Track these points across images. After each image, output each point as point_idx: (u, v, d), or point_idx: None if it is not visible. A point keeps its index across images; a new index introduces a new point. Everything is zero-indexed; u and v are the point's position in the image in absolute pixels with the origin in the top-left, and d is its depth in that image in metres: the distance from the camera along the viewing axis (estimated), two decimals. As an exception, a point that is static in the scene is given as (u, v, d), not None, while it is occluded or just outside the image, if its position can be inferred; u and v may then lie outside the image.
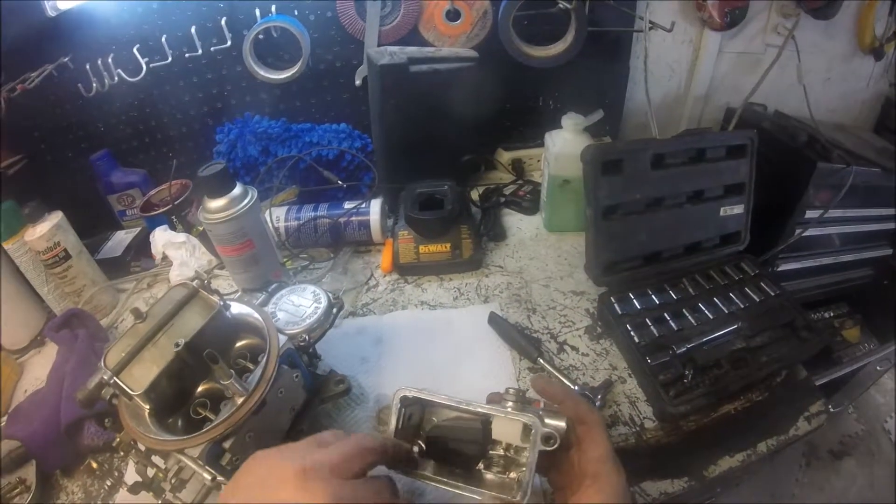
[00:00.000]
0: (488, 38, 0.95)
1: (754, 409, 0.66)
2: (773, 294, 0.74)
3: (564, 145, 0.82)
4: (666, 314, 0.72)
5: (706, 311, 0.72)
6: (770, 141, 0.84)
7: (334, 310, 0.62)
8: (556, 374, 0.67)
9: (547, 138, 0.86)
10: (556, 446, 0.44)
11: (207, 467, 0.47)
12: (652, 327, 0.71)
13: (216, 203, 0.72)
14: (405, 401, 0.47)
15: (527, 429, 0.44)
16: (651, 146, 0.75)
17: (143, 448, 0.53)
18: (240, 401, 0.48)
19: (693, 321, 0.71)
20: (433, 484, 0.46)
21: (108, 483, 0.60)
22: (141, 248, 1.04)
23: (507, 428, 0.45)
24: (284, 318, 0.61)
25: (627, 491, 0.44)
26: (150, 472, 0.53)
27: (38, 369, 0.87)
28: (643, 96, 1.00)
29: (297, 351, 0.58)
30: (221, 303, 0.56)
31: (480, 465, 0.48)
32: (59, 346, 0.81)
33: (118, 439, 0.53)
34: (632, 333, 0.70)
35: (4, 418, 0.80)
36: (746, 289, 0.76)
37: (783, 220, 0.95)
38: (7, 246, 0.85)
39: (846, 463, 1.20)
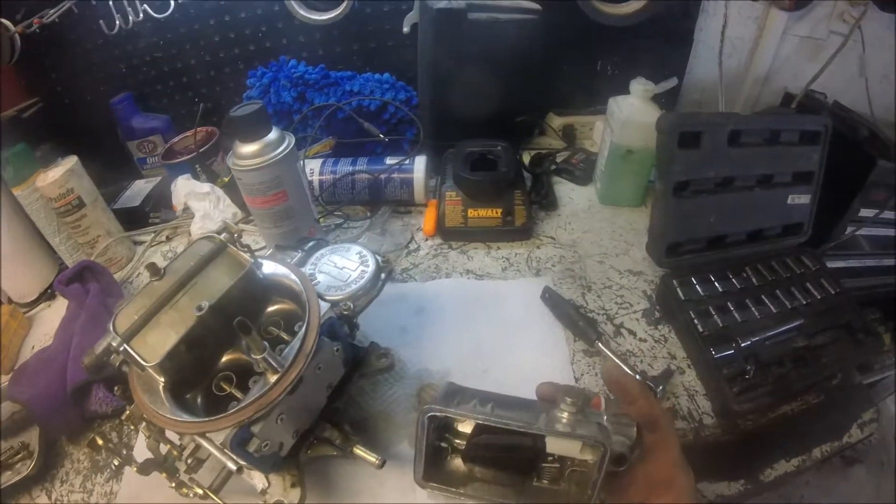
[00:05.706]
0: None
1: (810, 412, 0.59)
2: (833, 292, 0.66)
3: (632, 112, 0.71)
4: (729, 303, 0.63)
5: (769, 305, 0.63)
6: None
7: (382, 275, 0.52)
8: (615, 359, 0.58)
9: (612, 103, 0.75)
10: (624, 466, 0.36)
11: (233, 455, 0.39)
12: (716, 317, 0.62)
13: (249, 148, 0.62)
14: (434, 420, 0.38)
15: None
16: (732, 121, 0.65)
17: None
18: (273, 378, 0.40)
19: (756, 314, 0.62)
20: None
21: (115, 462, 0.45)
22: (161, 198, 0.93)
23: (565, 444, 0.37)
24: (325, 281, 0.51)
25: (696, 492, 0.39)
26: (164, 448, 0.44)
27: (48, 324, 0.79)
28: (702, 71, 0.90)
29: (339, 320, 0.49)
30: (253, 261, 0.46)
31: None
32: (69, 301, 0.72)
33: (128, 412, 0.44)
34: (695, 321, 0.60)
35: (7, 378, 0.70)
36: (807, 284, 0.67)
37: (837, 216, 0.87)
38: (17, 192, 0.75)
39: (856, 470, 1.16)
